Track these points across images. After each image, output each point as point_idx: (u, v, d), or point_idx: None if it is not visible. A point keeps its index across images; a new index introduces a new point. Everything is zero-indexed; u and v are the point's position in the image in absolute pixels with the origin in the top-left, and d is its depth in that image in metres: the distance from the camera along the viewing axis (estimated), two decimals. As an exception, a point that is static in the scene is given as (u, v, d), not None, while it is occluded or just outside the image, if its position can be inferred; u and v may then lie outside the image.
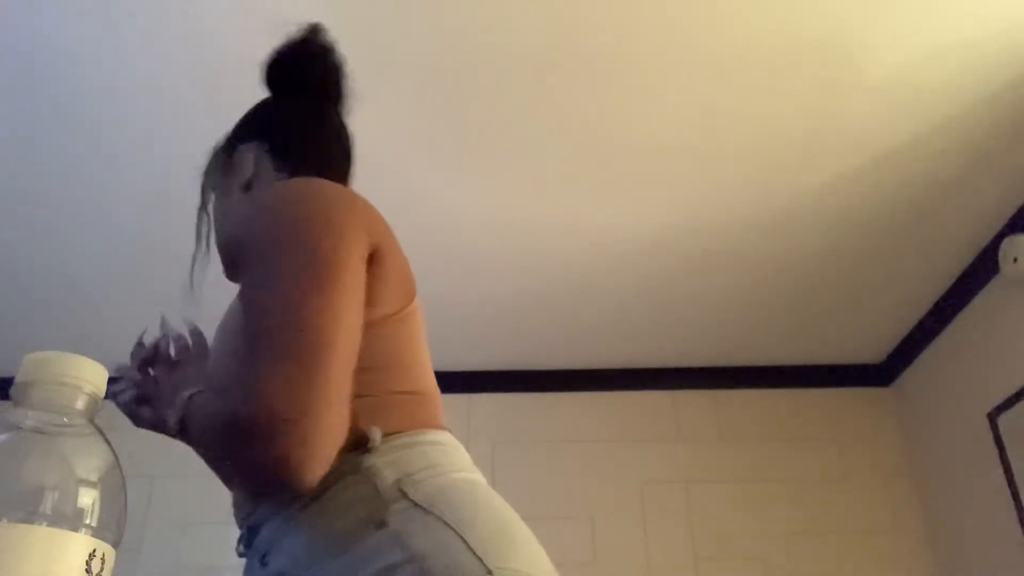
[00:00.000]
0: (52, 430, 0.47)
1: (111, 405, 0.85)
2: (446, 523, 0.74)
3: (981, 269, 2.40)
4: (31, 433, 0.46)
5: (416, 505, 0.75)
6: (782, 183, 2.15)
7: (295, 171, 1.01)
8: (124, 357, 0.96)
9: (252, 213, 0.85)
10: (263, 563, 0.80)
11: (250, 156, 1.04)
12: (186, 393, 0.82)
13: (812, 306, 2.68)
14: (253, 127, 1.08)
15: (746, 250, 2.40)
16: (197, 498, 2.69)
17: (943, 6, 1.69)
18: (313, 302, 0.75)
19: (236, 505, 0.89)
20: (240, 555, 0.86)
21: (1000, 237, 2.27)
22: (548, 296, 2.61)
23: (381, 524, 0.73)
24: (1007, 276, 2.23)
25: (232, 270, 0.96)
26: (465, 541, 0.72)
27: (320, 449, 0.70)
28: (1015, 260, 2.16)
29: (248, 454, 0.71)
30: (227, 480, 0.87)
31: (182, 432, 0.82)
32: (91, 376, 0.49)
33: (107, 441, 0.49)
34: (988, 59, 1.81)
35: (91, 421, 0.49)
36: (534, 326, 2.78)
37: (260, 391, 0.70)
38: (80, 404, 0.48)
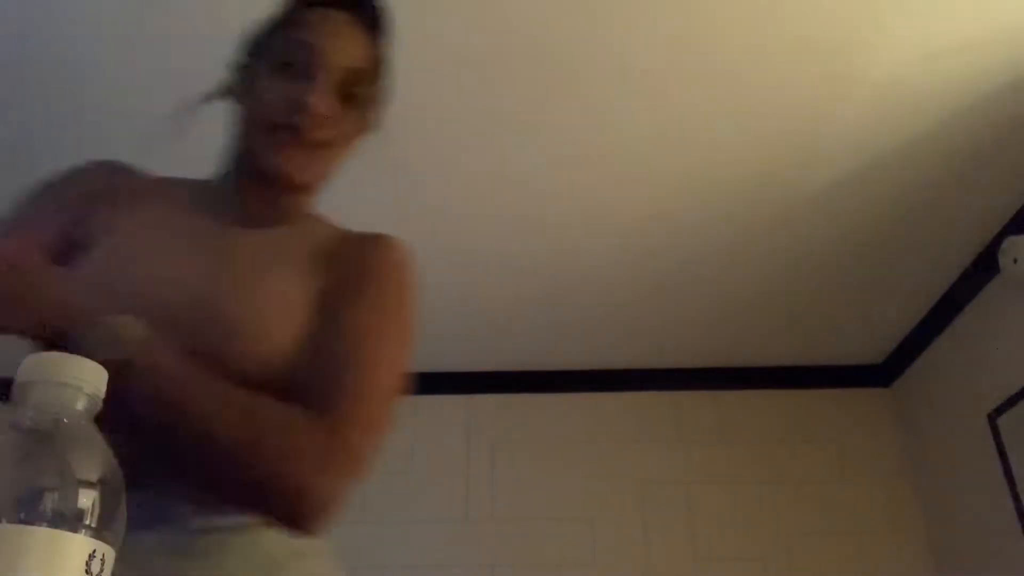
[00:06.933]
0: (52, 430, 0.46)
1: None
2: None
3: (981, 269, 2.40)
4: (31, 433, 0.46)
5: None
6: (782, 183, 2.15)
7: None
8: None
9: (405, 256, 0.91)
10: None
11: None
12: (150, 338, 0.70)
13: (812, 307, 2.67)
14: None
15: (746, 250, 2.40)
16: (197, 499, 2.69)
17: (943, 7, 1.69)
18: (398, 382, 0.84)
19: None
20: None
21: (1000, 237, 2.27)
22: (548, 296, 2.61)
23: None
24: (1007, 276, 2.22)
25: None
26: None
27: (330, 514, 0.73)
28: (1015, 260, 2.16)
29: (284, 471, 0.70)
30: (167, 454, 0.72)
31: (122, 369, 0.62)
32: (91, 376, 0.49)
33: (107, 441, 0.48)
34: (987, 60, 1.81)
35: (91, 421, 0.49)
36: (534, 326, 2.78)
37: (355, 448, 0.75)
38: (80, 404, 0.48)
